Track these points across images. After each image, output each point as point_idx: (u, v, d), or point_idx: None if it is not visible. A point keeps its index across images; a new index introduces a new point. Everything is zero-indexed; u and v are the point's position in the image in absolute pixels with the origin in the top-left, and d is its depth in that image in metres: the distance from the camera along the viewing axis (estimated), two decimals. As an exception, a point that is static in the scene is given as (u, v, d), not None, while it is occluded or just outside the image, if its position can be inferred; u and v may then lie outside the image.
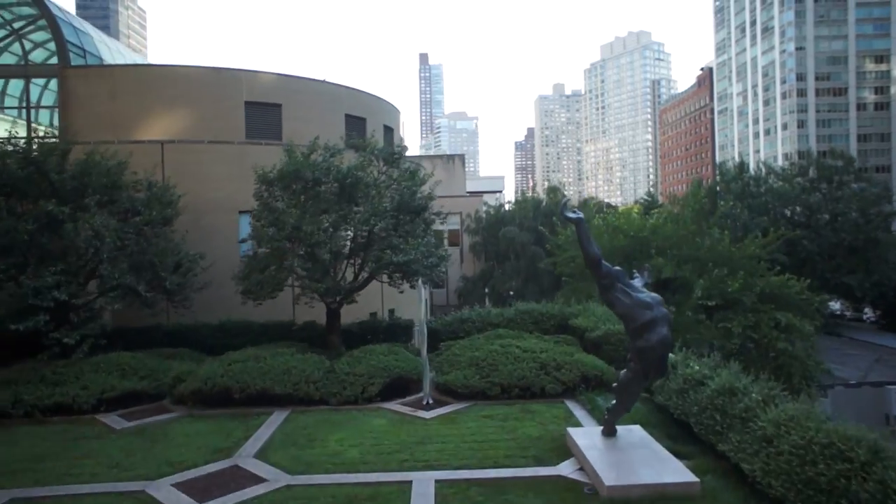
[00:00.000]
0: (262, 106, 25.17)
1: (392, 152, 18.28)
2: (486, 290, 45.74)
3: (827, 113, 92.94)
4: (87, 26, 27.33)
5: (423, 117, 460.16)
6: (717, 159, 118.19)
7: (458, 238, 50.57)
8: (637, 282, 9.89)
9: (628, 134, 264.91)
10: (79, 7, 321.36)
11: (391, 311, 24.08)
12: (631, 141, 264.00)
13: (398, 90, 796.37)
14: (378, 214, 15.81)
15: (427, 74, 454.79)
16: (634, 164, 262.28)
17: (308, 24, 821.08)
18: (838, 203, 36.52)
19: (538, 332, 18.13)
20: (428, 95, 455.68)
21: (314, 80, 27.46)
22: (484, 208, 48.42)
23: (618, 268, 9.11)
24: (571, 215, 8.73)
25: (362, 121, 29.02)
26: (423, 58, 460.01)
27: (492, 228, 47.03)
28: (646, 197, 76.18)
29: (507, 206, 53.26)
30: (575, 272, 23.12)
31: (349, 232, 16.18)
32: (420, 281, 14.24)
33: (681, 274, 19.97)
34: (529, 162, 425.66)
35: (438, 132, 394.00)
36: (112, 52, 27.79)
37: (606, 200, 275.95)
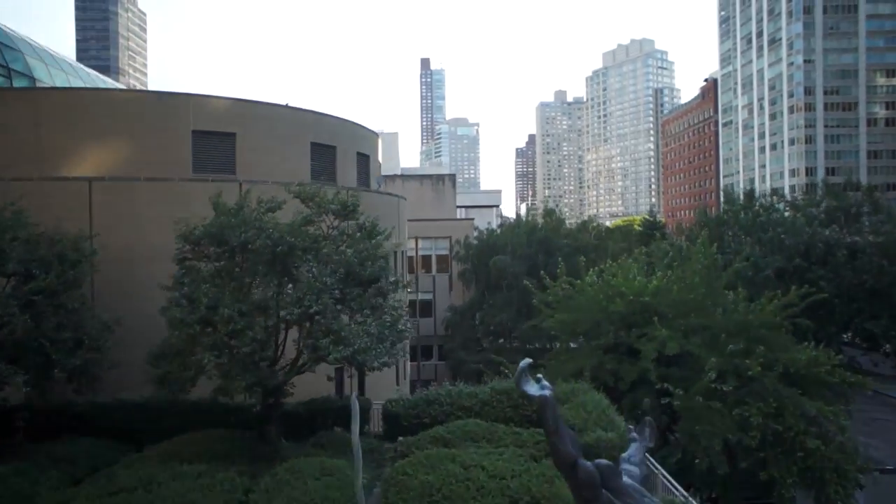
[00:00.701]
0: (212, 136, 22.14)
1: (345, 204, 15.13)
2: (476, 322, 42.65)
3: (836, 128, 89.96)
4: (21, 42, 24.29)
5: (424, 123, 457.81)
6: (722, 173, 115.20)
7: (448, 264, 47.55)
8: (633, 451, 6.79)
9: (630, 143, 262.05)
10: (77, 9, 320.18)
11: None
12: (633, 150, 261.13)
13: (399, 95, 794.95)
14: (315, 291, 12.70)
15: (428, 80, 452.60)
16: (636, 173, 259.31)
17: (311, 26, 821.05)
18: (857, 238, 33.38)
19: (517, 418, 15.20)
20: (429, 101, 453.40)
21: (274, 104, 24.44)
22: (475, 233, 45.34)
23: (605, 462, 5.96)
24: (534, 392, 5.60)
25: (331, 149, 26.02)
26: (425, 62, 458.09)
27: (482, 256, 43.93)
28: (647, 217, 73.03)
29: (499, 230, 50.13)
30: (569, 335, 20.00)
31: (282, 313, 13.08)
32: (354, 396, 11.12)
33: (688, 348, 16.88)
34: (530, 169, 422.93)
35: (439, 138, 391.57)
36: (51, 71, 24.76)
37: (607, 210, 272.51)
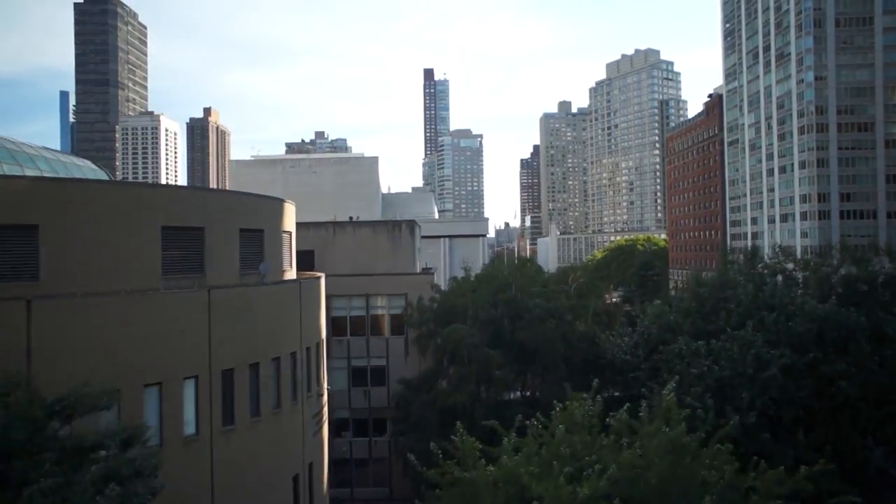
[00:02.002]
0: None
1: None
2: (429, 399, 36.28)
3: (850, 151, 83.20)
4: None
5: (428, 134, 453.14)
6: (728, 195, 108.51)
7: (404, 325, 41.25)
8: None
9: (635, 156, 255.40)
10: (77, 23, 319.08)
11: None
12: (638, 163, 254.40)
13: (402, 107, 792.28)
14: None
15: (432, 90, 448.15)
16: (642, 187, 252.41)
17: (314, 36, 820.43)
18: (885, 328, 26.79)
19: None
20: (432, 112, 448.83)
21: (98, 183, 18.42)
22: (432, 293, 38.94)
23: None
24: None
25: (197, 232, 19.98)
26: (428, 73, 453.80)
27: (440, 319, 37.61)
28: (649, 237, 66.11)
29: (470, 277, 43.78)
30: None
31: None
32: None
33: None
34: (535, 181, 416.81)
35: (442, 151, 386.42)
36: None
37: (612, 224, 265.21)
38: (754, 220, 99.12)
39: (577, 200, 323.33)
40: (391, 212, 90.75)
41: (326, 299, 41.85)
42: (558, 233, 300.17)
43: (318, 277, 26.27)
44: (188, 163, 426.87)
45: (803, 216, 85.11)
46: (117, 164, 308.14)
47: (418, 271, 44.72)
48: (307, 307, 24.12)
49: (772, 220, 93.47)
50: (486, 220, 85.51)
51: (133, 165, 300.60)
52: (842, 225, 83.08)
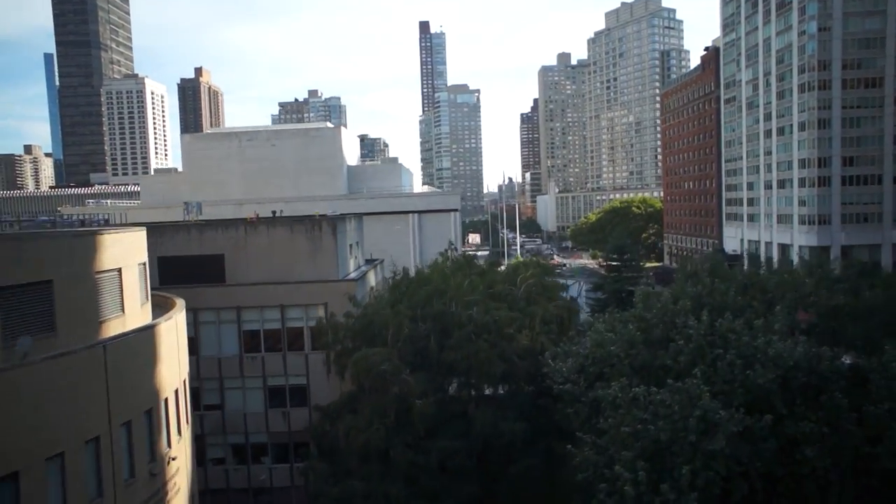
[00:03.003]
0: None
1: None
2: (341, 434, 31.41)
3: (856, 109, 75.73)
4: None
5: (425, 90, 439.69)
6: (724, 157, 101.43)
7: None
8: None
9: (635, 110, 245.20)
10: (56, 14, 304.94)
11: None
12: (638, 117, 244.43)
13: (399, 62, 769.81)
14: None
15: (428, 44, 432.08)
16: (641, 143, 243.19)
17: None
18: (869, 373, 21.43)
19: None
20: (429, 66, 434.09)
21: None
22: (350, 306, 33.54)
23: None
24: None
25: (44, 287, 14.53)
26: (424, 26, 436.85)
27: (358, 337, 32.46)
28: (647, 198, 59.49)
29: (395, 283, 38.42)
30: None
31: None
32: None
33: None
34: (536, 136, 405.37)
35: (438, 107, 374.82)
36: None
37: (611, 181, 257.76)
38: (750, 186, 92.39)
39: (576, 157, 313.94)
40: (357, 185, 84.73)
41: (237, 311, 36.86)
42: (557, 190, 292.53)
43: (150, 327, 20.83)
44: (181, 126, 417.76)
45: (801, 182, 78.44)
46: (104, 129, 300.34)
47: (349, 274, 39.36)
48: (126, 371, 18.87)
49: (768, 186, 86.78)
50: (458, 195, 79.41)
51: (120, 131, 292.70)
52: (843, 192, 76.50)
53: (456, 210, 78.60)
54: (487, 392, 33.69)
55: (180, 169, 79.97)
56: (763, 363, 20.56)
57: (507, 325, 33.75)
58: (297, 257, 36.72)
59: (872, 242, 76.75)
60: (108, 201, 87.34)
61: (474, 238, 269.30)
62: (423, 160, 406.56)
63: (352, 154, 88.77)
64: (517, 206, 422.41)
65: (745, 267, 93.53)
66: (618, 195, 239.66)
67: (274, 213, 45.01)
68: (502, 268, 46.67)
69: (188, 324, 36.10)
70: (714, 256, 28.69)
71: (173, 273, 36.45)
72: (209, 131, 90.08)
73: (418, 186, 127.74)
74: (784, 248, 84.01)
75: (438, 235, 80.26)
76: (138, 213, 77.85)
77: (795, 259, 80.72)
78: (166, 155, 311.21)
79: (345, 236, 39.60)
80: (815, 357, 21.07)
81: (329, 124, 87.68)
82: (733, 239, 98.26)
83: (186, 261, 36.53)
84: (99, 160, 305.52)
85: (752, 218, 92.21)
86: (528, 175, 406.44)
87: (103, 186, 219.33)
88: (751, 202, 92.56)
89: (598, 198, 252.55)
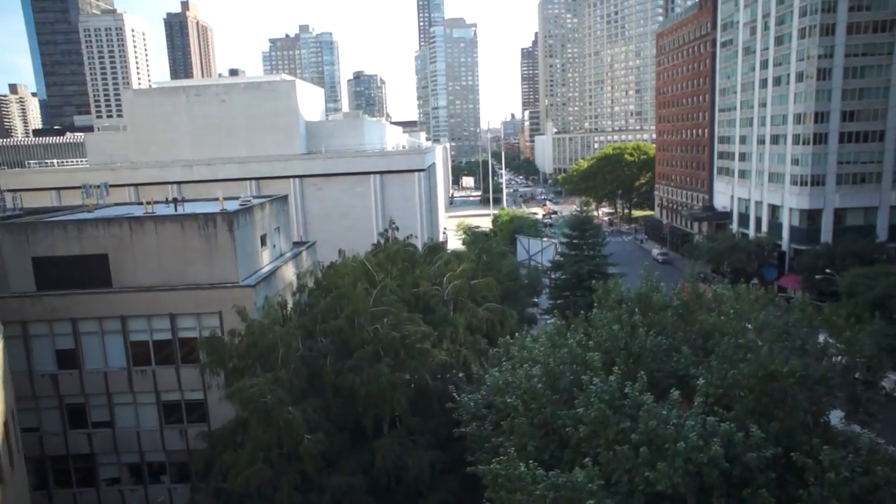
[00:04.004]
0: None
1: None
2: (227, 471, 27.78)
3: (861, 58, 68.37)
4: None
5: (421, 23, 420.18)
6: (717, 106, 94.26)
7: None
8: None
9: (637, 46, 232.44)
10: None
11: None
12: (639, 54, 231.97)
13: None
14: None
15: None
16: (640, 83, 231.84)
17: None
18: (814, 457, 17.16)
19: None
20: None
21: None
22: (243, 323, 29.16)
23: None
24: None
25: None
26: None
27: (246, 357, 28.34)
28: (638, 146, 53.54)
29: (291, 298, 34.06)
30: None
31: None
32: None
33: None
34: (536, 72, 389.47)
35: (434, 42, 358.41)
36: None
37: (610, 121, 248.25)
38: (743, 140, 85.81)
39: (576, 95, 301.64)
40: (316, 143, 78.86)
41: (122, 320, 32.75)
42: (555, 130, 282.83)
43: None
44: (170, 64, 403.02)
45: (795, 139, 72.08)
46: (86, 69, 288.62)
47: (261, 270, 34.82)
48: None
49: (761, 141, 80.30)
50: (424, 153, 73.70)
51: (101, 71, 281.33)
52: (840, 150, 70.24)
53: (421, 170, 73.03)
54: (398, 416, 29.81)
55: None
56: (672, 456, 16.23)
57: (422, 339, 29.56)
58: (191, 258, 32.18)
59: (868, 205, 71.25)
60: (56, 161, 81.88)
61: (468, 181, 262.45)
62: (419, 98, 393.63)
63: (313, 108, 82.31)
64: (516, 149, 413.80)
65: (736, 228, 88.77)
66: (616, 139, 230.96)
67: (167, 199, 39.88)
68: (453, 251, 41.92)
69: (67, 335, 32.36)
70: (647, 279, 24.09)
71: (51, 277, 32.16)
72: (154, 85, 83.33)
73: (398, 137, 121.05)
74: (774, 210, 78.59)
75: (403, 198, 75.15)
76: (78, 176, 72.59)
77: (785, 222, 75.55)
78: (150, 81, 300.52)
79: (250, 230, 34.86)
80: (739, 442, 16.70)
81: (284, 76, 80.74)
82: (724, 195, 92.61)
83: (65, 262, 32.14)
84: (83, 101, 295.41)
85: (743, 174, 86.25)
86: (527, 113, 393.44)
87: (79, 135, 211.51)
88: (742, 157, 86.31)
89: (598, 139, 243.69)
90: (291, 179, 73.86)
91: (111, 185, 73.10)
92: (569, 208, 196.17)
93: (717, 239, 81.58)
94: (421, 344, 29.50)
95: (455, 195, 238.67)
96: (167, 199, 41.97)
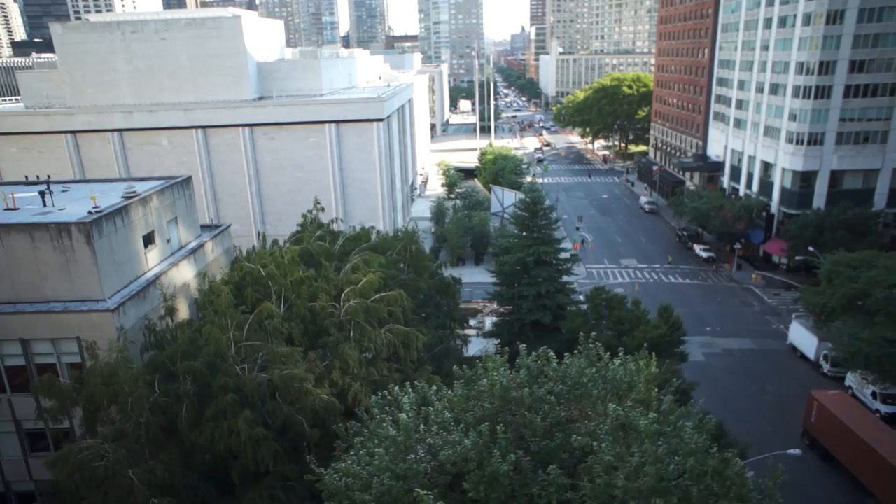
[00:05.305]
0: None
1: None
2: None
3: (876, -2, 59.87)
4: None
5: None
6: (719, 43, 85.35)
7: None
8: None
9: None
10: None
11: None
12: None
13: None
14: None
15: None
16: (652, 3, 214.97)
17: None
18: None
19: None
20: None
21: None
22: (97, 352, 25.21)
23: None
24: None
25: None
26: None
27: (96, 400, 24.65)
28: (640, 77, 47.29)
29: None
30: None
31: None
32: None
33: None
34: (542, 10, 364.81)
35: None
36: None
37: (615, 43, 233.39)
38: (741, 85, 77.77)
39: (584, 11, 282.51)
40: (270, 87, 71.97)
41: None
42: (560, 50, 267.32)
43: None
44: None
45: (795, 92, 64.59)
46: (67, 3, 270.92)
47: (142, 276, 30.47)
48: None
49: (760, 89, 72.53)
50: (383, 100, 67.05)
51: (84, 2, 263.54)
52: (844, 105, 62.85)
53: (380, 120, 66.80)
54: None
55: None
56: None
57: (299, 380, 25.65)
58: (46, 274, 27.79)
59: (869, 167, 64.81)
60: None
61: (465, 105, 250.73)
62: (420, 10, 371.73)
63: (268, 46, 74.69)
64: (522, 66, 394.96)
65: (727, 182, 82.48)
66: (623, 63, 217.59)
67: (38, 179, 34.77)
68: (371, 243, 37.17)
69: None
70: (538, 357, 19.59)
71: None
72: (88, 18, 75.65)
73: (377, 70, 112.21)
74: (767, 167, 72.18)
75: (361, 149, 69.29)
76: (6, 122, 66.86)
77: (777, 183, 69.48)
78: (135, 5, 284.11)
79: (126, 233, 30.09)
80: None
81: (231, 10, 72.63)
82: (718, 144, 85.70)
83: None
84: (62, 12, 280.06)
85: (738, 124, 78.96)
86: (533, 29, 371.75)
87: (50, 56, 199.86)
88: (739, 105, 78.63)
89: (603, 62, 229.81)
90: (241, 128, 67.97)
91: (45, 133, 68.17)
92: (566, 138, 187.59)
93: (704, 197, 75.75)
94: (299, 384, 25.63)
95: (451, 121, 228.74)
96: (41, 181, 36.74)
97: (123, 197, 32.36)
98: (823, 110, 63.18)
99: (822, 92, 62.70)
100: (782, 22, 67.35)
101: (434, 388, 23.13)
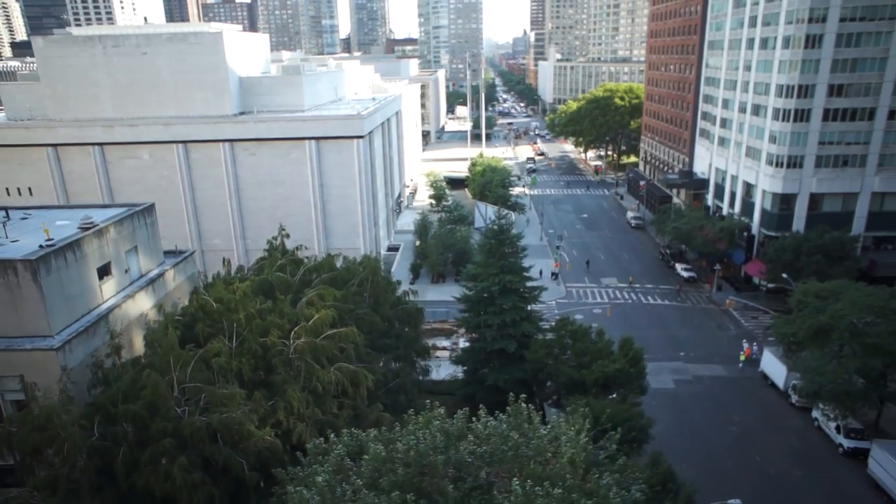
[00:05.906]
0: None
1: None
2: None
3: (857, 22, 59.72)
4: None
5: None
6: (705, 61, 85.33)
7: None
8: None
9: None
10: None
11: None
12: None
13: None
14: None
15: None
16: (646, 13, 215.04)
17: None
18: None
19: None
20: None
21: None
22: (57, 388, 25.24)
23: None
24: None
25: None
26: None
27: (36, 442, 24.67)
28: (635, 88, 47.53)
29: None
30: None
31: None
32: None
33: None
34: (542, 16, 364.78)
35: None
36: None
37: (612, 52, 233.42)
38: (725, 104, 77.80)
39: (584, 17, 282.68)
40: (251, 102, 72.02)
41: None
42: (558, 57, 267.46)
43: None
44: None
45: (776, 114, 64.57)
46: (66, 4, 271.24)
47: (95, 309, 30.48)
48: None
49: (743, 109, 72.53)
50: (362, 118, 67.10)
51: (83, 5, 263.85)
52: (823, 129, 62.82)
53: (360, 137, 66.82)
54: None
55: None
56: None
57: (240, 422, 25.62)
58: (-9, 309, 27.86)
59: (848, 191, 64.74)
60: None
61: (463, 111, 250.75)
62: (420, 15, 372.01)
63: (251, 61, 74.78)
64: (522, 70, 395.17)
65: (711, 200, 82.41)
66: (619, 71, 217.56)
67: (4, 212, 34.68)
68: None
69: None
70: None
71: None
72: (70, 31, 75.75)
73: (366, 81, 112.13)
74: (749, 188, 72.16)
75: (341, 165, 69.32)
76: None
77: (757, 204, 69.41)
78: (134, 9, 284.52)
79: (78, 267, 30.10)
80: None
81: (214, 26, 72.74)
82: (703, 161, 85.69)
83: None
84: (61, 13, 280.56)
85: (722, 142, 78.96)
86: (533, 34, 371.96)
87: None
88: (724, 124, 78.66)
89: (600, 70, 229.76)
90: (221, 144, 68.04)
91: (26, 146, 68.22)
92: (559, 147, 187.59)
93: (685, 216, 75.66)
94: (239, 426, 25.60)
95: (448, 127, 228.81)
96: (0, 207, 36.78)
97: (79, 228, 32.39)
98: (802, 133, 63.15)
99: (802, 115, 62.69)
100: (764, 43, 67.35)
101: (373, 432, 23.07)
